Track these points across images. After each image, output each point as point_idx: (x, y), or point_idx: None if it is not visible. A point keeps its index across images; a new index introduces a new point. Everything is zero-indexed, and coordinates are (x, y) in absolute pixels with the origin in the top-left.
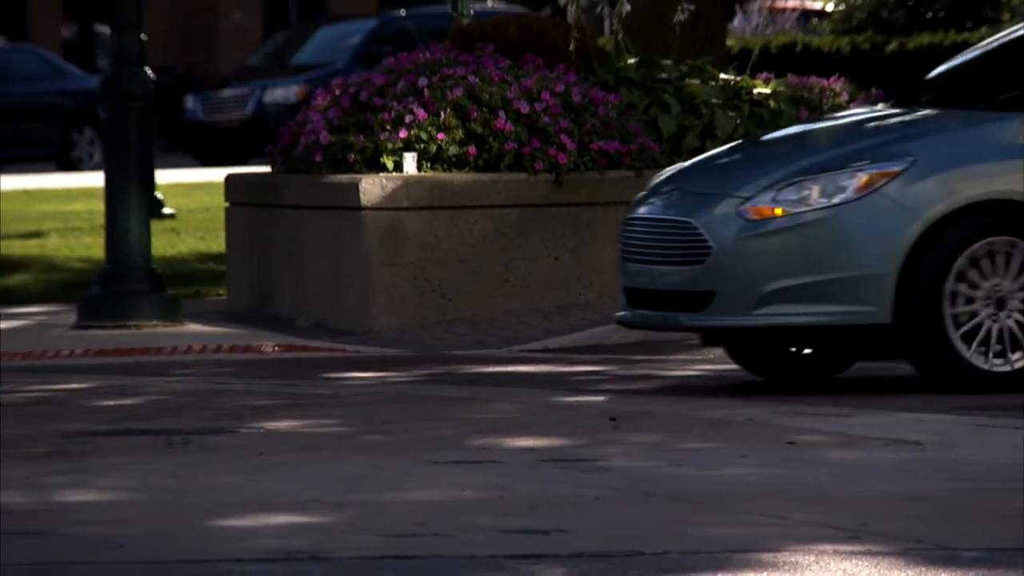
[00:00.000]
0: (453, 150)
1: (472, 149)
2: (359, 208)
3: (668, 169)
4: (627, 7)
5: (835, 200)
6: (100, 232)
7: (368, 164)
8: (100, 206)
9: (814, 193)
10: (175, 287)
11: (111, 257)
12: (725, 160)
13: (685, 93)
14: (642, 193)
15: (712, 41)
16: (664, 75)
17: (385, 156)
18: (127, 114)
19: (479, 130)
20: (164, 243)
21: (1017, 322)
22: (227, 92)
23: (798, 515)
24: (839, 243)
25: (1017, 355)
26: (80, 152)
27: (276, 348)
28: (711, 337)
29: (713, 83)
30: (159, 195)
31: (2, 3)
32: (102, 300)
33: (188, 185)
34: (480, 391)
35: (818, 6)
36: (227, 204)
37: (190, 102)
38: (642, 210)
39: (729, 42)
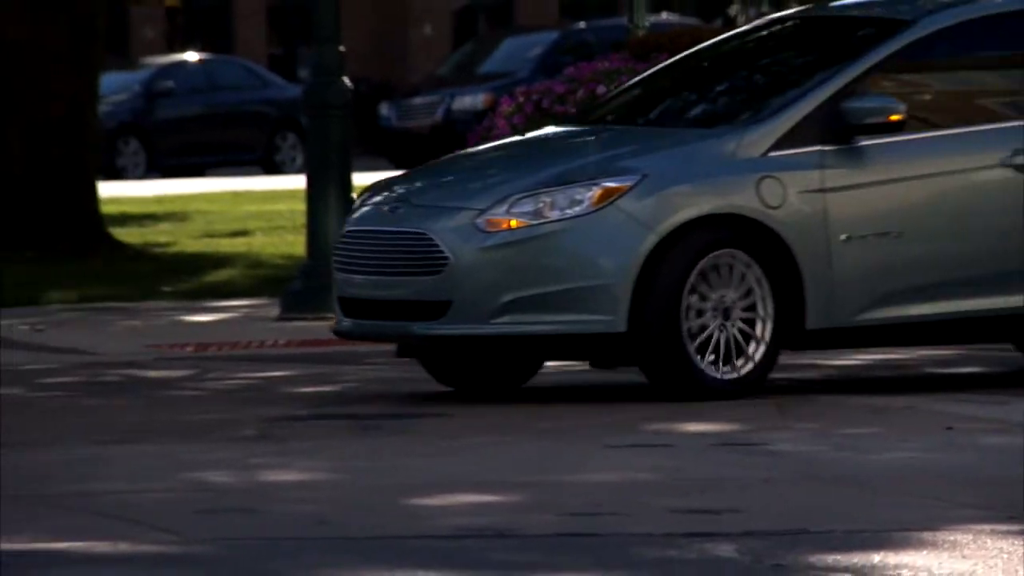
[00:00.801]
0: None
1: None
2: None
3: (380, 181)
4: None
5: (571, 212)
6: (302, 231)
7: None
8: (302, 207)
9: (551, 206)
10: None
11: (312, 254)
12: (453, 173)
13: None
14: (357, 205)
15: None
16: None
17: None
18: (327, 121)
19: None
20: None
21: (740, 331)
22: (419, 100)
23: (956, 497)
24: (576, 254)
25: (741, 361)
26: (283, 156)
27: None
28: (407, 348)
29: None
30: (355, 196)
31: (209, 18)
32: (303, 294)
33: None
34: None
35: None
36: None
37: (385, 109)
38: (364, 222)
39: None
